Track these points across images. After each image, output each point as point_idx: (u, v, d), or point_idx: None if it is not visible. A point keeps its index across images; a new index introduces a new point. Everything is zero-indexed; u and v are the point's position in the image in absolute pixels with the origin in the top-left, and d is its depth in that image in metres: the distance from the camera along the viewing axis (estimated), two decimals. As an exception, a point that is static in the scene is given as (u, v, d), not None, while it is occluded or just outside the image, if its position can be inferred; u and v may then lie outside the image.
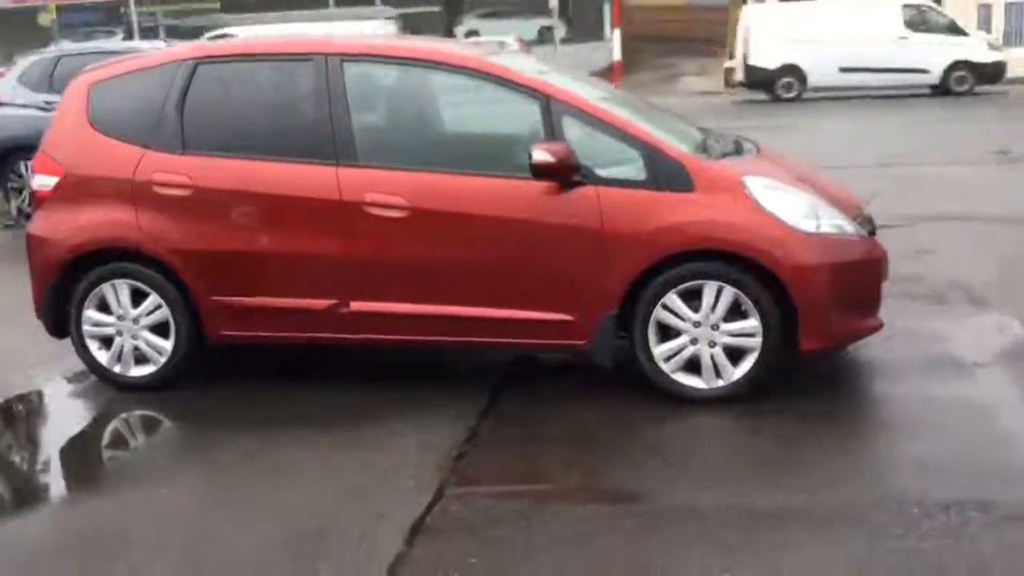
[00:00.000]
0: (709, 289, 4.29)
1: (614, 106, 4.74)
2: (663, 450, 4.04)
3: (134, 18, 33.38)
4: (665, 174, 4.31)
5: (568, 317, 4.40)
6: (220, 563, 3.30)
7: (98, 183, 4.75)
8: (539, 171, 4.21)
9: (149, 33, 37.03)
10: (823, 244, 4.31)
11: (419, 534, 3.35)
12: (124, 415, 4.78)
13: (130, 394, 4.83)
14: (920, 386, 4.58)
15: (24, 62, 11.28)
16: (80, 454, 4.48)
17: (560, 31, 36.30)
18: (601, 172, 4.33)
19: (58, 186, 4.81)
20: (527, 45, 17.54)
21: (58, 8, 36.30)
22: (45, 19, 36.84)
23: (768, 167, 4.67)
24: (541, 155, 4.16)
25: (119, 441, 4.66)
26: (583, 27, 37.51)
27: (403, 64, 4.64)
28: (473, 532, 3.35)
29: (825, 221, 4.37)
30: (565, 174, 4.25)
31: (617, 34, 11.19)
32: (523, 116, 4.42)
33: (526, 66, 4.83)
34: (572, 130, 4.36)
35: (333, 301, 4.57)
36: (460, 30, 35.73)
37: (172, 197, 4.64)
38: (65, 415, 4.91)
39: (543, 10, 31.34)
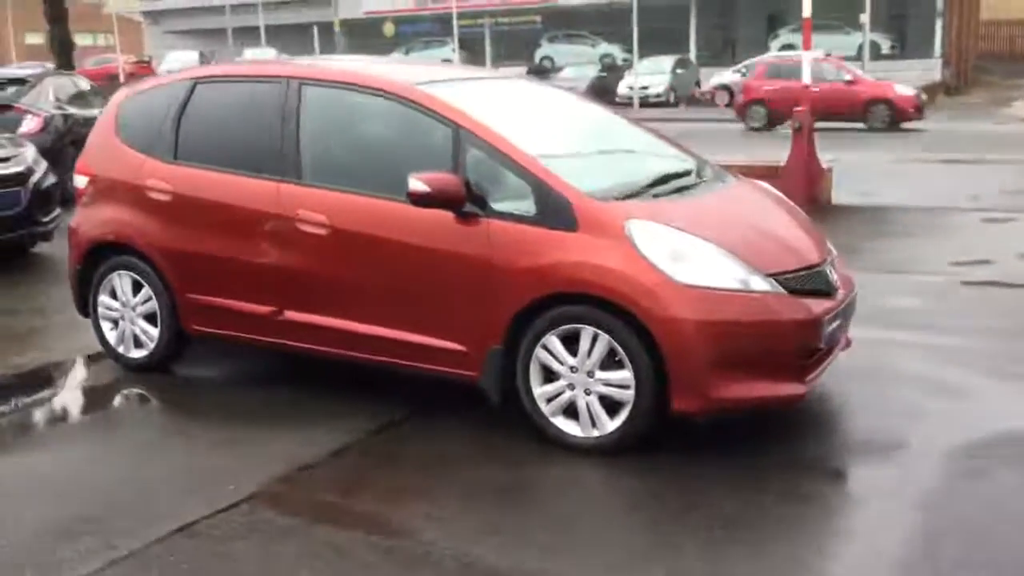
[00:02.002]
0: (585, 335, 4.11)
1: (555, 136, 4.68)
2: (502, 498, 3.89)
3: (454, 30, 35.68)
4: (552, 211, 4.18)
5: (461, 347, 4.40)
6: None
7: (114, 185, 5.41)
8: (416, 200, 4.25)
9: (474, 44, 39.59)
10: (705, 297, 3.98)
11: (178, 533, 3.57)
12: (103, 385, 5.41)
13: (132, 373, 5.47)
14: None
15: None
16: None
17: (884, 45, 34.62)
18: (495, 205, 4.29)
19: (88, 186, 5.54)
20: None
21: (397, 20, 39.72)
22: (389, 29, 40.54)
23: (688, 211, 4.35)
24: (416, 184, 4.21)
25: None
26: (915, 42, 35.27)
27: (346, 89, 4.83)
28: (224, 541, 3.51)
29: (723, 274, 4.03)
30: (446, 204, 4.26)
31: (808, 57, 10.43)
32: (437, 144, 4.46)
33: (466, 94, 4.84)
34: (475, 161, 4.36)
35: (273, 308, 4.89)
36: (776, 43, 35.01)
37: (159, 201, 5.19)
38: (72, 383, 5.61)
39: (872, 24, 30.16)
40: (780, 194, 5.14)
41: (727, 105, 28.55)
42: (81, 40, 60.45)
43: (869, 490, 3.92)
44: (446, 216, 4.32)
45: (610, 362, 4.10)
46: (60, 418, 5.12)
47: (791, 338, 4.10)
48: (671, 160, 5.00)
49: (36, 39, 60.48)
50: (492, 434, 4.43)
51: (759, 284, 4.07)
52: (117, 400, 5.22)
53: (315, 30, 41.93)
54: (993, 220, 9.70)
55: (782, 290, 4.12)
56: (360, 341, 4.66)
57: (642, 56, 33.08)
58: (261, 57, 36.22)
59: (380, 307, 4.60)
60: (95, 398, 5.33)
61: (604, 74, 34.30)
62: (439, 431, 4.51)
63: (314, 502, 3.86)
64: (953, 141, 18.33)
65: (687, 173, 4.84)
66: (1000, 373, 5.16)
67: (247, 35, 39.47)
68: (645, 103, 31.59)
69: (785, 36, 35.54)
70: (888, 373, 5.14)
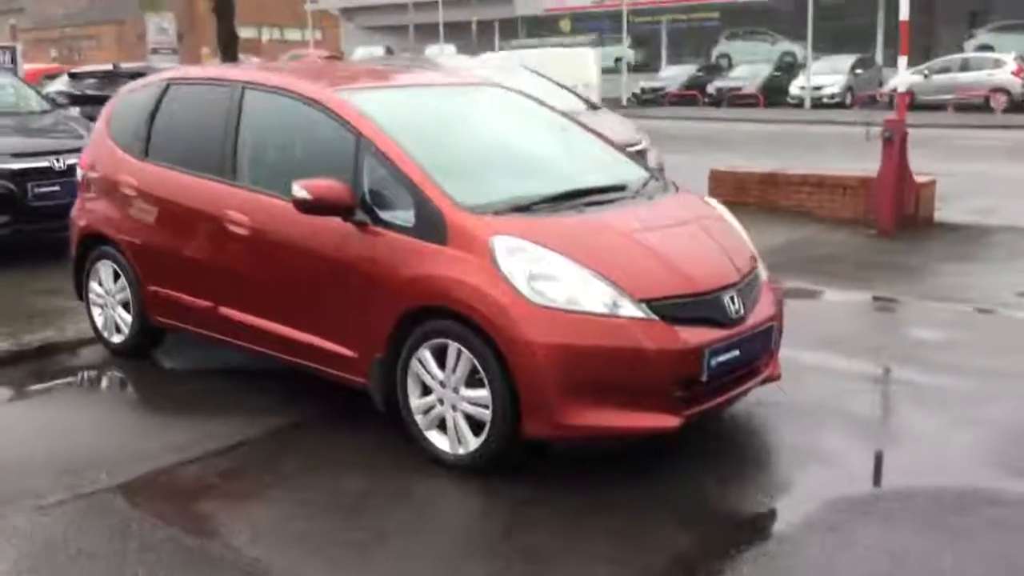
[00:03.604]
0: (451, 350, 4.05)
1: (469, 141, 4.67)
2: (353, 511, 3.90)
3: (623, 27, 35.36)
4: (428, 223, 4.13)
5: (352, 353, 4.43)
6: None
7: (101, 180, 5.76)
8: (299, 207, 4.30)
9: (651, 40, 39.11)
10: (560, 320, 3.82)
11: (34, 511, 3.82)
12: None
13: (114, 357, 5.82)
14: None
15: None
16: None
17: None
18: (383, 214, 4.28)
19: (84, 179, 5.93)
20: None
21: (574, 16, 39.81)
22: (566, 25, 40.72)
23: (572, 229, 4.17)
24: (298, 191, 4.25)
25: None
26: None
27: (276, 94, 4.93)
28: (59, 523, 3.72)
29: (585, 297, 3.85)
30: (332, 211, 4.29)
31: (903, 62, 9.74)
32: (343, 151, 4.49)
33: (389, 103, 4.86)
34: (370, 169, 4.36)
35: (210, 304, 5.08)
36: (970, 44, 32.72)
37: (128, 196, 5.49)
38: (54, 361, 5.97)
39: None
40: (719, 210, 4.87)
41: (908, 108, 27.01)
42: (290, 35, 64.38)
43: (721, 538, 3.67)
44: (339, 223, 4.35)
45: (473, 380, 4.02)
46: (25, 388, 5.51)
47: (658, 368, 3.86)
48: (601, 174, 4.82)
49: (247, 33, 64.67)
50: (389, 443, 4.41)
51: (628, 309, 3.88)
52: (77, 378, 5.61)
53: (496, 26, 42.70)
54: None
55: (654, 316, 3.90)
56: (276, 341, 4.77)
57: (824, 54, 31.83)
58: (440, 54, 37.25)
59: (289, 308, 4.69)
60: (62, 375, 5.66)
61: (778, 73, 33.15)
62: (341, 435, 4.55)
63: (166, 497, 4.01)
64: None
65: (613, 188, 4.66)
66: (949, 421, 4.70)
67: (432, 31, 40.62)
68: (818, 104, 30.33)
69: (983, 36, 33.15)
70: (824, 412, 4.78)
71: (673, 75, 35.62)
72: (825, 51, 31.87)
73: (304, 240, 4.54)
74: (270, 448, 4.44)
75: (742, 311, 4.17)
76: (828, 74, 31.03)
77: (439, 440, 4.19)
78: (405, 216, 4.22)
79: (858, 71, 31.59)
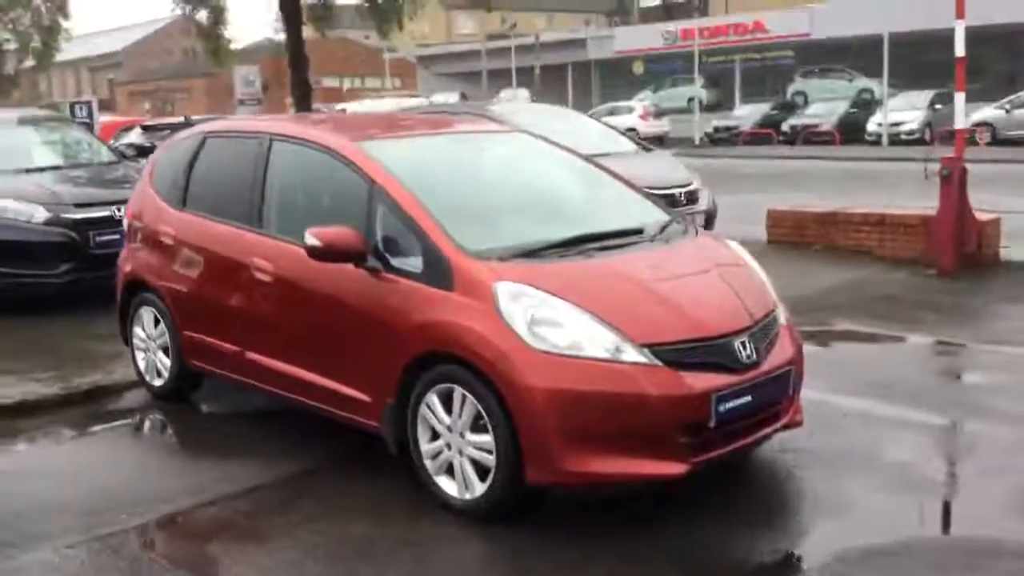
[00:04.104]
0: (457, 395, 4.06)
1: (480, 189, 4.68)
2: (356, 558, 3.92)
3: (695, 67, 35.22)
4: (435, 269, 4.17)
5: (366, 397, 4.47)
6: None
7: (143, 228, 5.95)
8: (312, 254, 4.38)
9: (724, 80, 38.83)
10: (561, 365, 3.80)
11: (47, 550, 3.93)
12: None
13: (155, 400, 5.98)
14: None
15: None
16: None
17: None
18: (394, 261, 4.33)
19: (129, 228, 6.14)
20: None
21: (646, 58, 39.89)
22: (638, 68, 40.82)
23: (578, 275, 4.15)
24: (310, 239, 4.34)
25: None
26: None
27: (298, 144, 5.05)
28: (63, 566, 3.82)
29: (587, 342, 3.83)
30: (344, 258, 4.36)
31: (961, 98, 9.51)
32: (359, 198, 4.57)
33: (406, 151, 4.94)
34: (383, 217, 4.43)
35: (238, 348, 5.20)
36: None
37: (167, 245, 5.67)
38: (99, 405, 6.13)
39: None
40: (739, 254, 4.79)
41: (989, 143, 26.25)
42: (370, 83, 65.93)
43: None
44: (353, 270, 4.42)
45: (478, 425, 4.02)
46: (67, 430, 5.67)
47: (662, 414, 3.81)
48: (617, 218, 4.81)
49: (331, 82, 66.44)
50: (401, 489, 4.42)
51: (630, 354, 3.84)
52: (117, 422, 5.74)
53: (569, 69, 43.02)
54: None
55: (657, 362, 3.85)
56: (296, 385, 4.84)
57: (902, 90, 31.21)
58: (513, 97, 37.63)
59: (308, 353, 4.77)
60: (103, 418, 5.82)
61: (855, 110, 32.61)
62: (354, 480, 4.58)
63: (178, 539, 4.09)
64: None
65: (628, 232, 4.64)
66: (983, 469, 4.51)
67: (506, 77, 41.15)
68: (896, 140, 29.69)
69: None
70: (852, 460, 4.63)
71: (746, 114, 35.32)
72: (903, 87, 31.25)
73: (321, 286, 4.62)
74: (284, 493, 4.49)
75: (754, 356, 4.09)
76: (906, 110, 30.38)
77: (447, 485, 4.18)
78: (415, 262, 4.27)
79: (937, 106, 30.86)
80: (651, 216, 4.94)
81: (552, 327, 3.89)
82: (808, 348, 6.51)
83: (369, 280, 4.38)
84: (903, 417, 5.27)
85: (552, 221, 4.68)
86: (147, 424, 5.76)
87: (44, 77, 62.83)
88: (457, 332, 4.02)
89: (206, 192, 5.57)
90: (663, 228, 4.80)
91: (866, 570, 3.59)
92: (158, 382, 5.94)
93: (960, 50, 9.15)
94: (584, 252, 4.34)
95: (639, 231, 4.71)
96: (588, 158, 5.57)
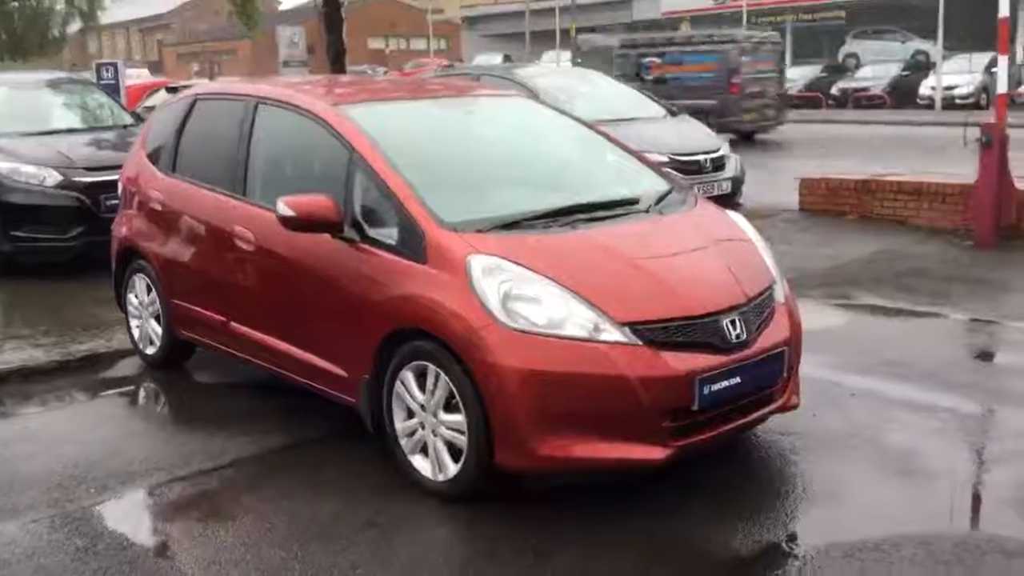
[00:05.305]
0: (430, 373, 3.88)
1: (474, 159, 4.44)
2: (315, 535, 3.78)
3: (744, 25, 34.30)
4: (410, 242, 3.98)
5: (343, 373, 4.32)
6: None
7: (136, 194, 5.83)
8: (284, 223, 4.20)
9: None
10: (534, 344, 3.60)
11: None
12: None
13: (149, 369, 5.89)
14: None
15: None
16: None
17: None
18: (370, 231, 4.15)
19: (123, 192, 6.02)
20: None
21: (692, 20, 39.03)
22: (685, 28, 39.91)
23: (559, 247, 3.93)
24: (282, 208, 4.15)
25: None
26: None
27: (281, 108, 4.85)
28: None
29: (564, 319, 3.62)
30: (319, 228, 4.18)
31: (1004, 61, 9.04)
32: (339, 165, 4.38)
33: (392, 116, 4.74)
34: (361, 185, 4.24)
35: (223, 318, 5.06)
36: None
37: (156, 211, 5.54)
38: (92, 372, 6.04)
39: None
40: (739, 226, 4.53)
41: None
42: (415, 44, 65.62)
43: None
44: (329, 240, 4.24)
45: (451, 404, 3.84)
46: (54, 398, 5.59)
47: (641, 397, 3.59)
48: (612, 188, 4.58)
49: (376, 44, 66.14)
50: (376, 466, 4.27)
51: (609, 333, 3.62)
52: (108, 391, 5.64)
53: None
54: None
55: (638, 341, 3.63)
56: (278, 357, 4.71)
57: (958, 52, 30.16)
58: (555, 60, 37.10)
59: (289, 325, 4.62)
60: (96, 386, 5.72)
61: (907, 73, 31.63)
62: (333, 456, 4.43)
63: (141, 516, 4.01)
64: None
65: (620, 203, 4.41)
66: (993, 457, 4.25)
67: (550, 38, 40.54)
68: (950, 105, 28.73)
69: None
70: (854, 444, 4.38)
71: (795, 76, 34.41)
72: (960, 49, 30.19)
73: (300, 256, 4.46)
74: (258, 468, 4.36)
75: (744, 335, 3.85)
76: (961, 73, 29.37)
77: (422, 465, 4.02)
78: (390, 233, 4.08)
79: (994, 70, 29.82)
80: (649, 186, 4.69)
81: (527, 303, 3.68)
82: (825, 323, 6.35)
83: (345, 251, 4.20)
84: (917, 399, 4.99)
85: (541, 191, 4.46)
86: (140, 394, 5.67)
87: (94, 38, 63.38)
88: (428, 307, 3.83)
89: (194, 157, 5.43)
90: (660, 199, 4.56)
91: (853, 564, 3.37)
92: (151, 350, 5.85)
93: (1004, 10, 8.68)
94: (570, 223, 4.11)
95: (634, 202, 4.48)
96: (591, 124, 5.32)
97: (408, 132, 4.63)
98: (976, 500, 3.96)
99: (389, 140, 4.35)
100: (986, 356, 6.04)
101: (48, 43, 39.99)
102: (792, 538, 3.60)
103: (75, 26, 41.58)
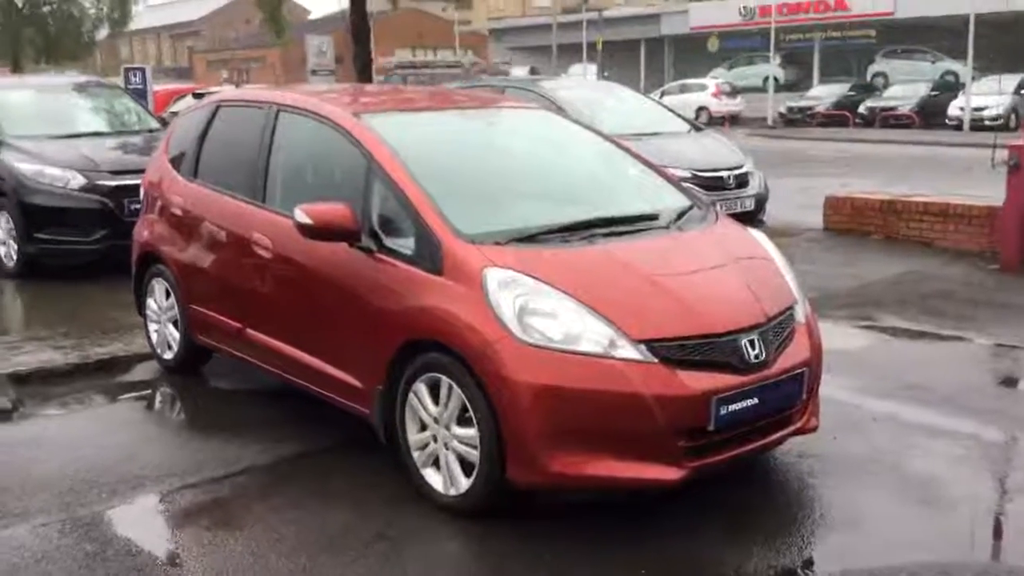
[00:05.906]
0: (444, 385, 3.85)
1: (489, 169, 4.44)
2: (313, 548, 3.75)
3: (771, 44, 34.22)
4: (427, 253, 3.95)
5: (357, 383, 4.29)
6: None
7: (157, 199, 5.84)
8: (302, 231, 4.18)
9: (802, 59, 37.75)
10: (548, 359, 3.55)
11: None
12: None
13: (166, 374, 5.89)
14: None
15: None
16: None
17: None
18: (387, 240, 4.12)
19: (144, 197, 6.04)
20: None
21: (722, 35, 38.92)
22: (713, 44, 39.88)
23: (576, 262, 3.89)
24: (300, 216, 4.14)
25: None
26: None
27: (302, 115, 4.84)
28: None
29: (579, 335, 3.58)
30: (336, 237, 4.16)
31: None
32: (358, 174, 4.36)
33: (415, 126, 4.72)
34: (379, 194, 4.22)
35: (239, 325, 5.05)
36: None
37: (176, 216, 5.55)
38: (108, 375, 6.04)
39: None
40: (760, 244, 4.47)
41: (1076, 131, 25.02)
42: (442, 55, 65.84)
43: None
44: (346, 249, 4.22)
45: (463, 418, 3.80)
46: (71, 402, 5.58)
47: (656, 415, 3.54)
48: (631, 203, 4.54)
49: (404, 54, 66.48)
50: (388, 478, 4.23)
51: (625, 350, 3.58)
52: (124, 395, 5.64)
53: (642, 45, 42.29)
54: None
55: (653, 359, 3.58)
56: (293, 365, 4.69)
57: (989, 73, 29.93)
58: (582, 73, 37.13)
59: (304, 334, 4.60)
60: (112, 390, 5.73)
61: (935, 93, 31.41)
62: (344, 466, 4.40)
63: (151, 523, 3.98)
64: None
65: (640, 218, 4.36)
66: (1016, 486, 4.16)
67: (577, 51, 40.57)
68: (979, 126, 28.49)
69: None
70: (873, 470, 4.31)
71: (823, 94, 34.31)
72: (991, 70, 29.96)
73: (317, 265, 4.44)
74: (270, 477, 4.33)
75: (763, 355, 3.79)
76: (991, 94, 29.13)
77: (433, 478, 3.98)
78: (407, 243, 4.06)
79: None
80: (669, 201, 4.65)
81: (542, 318, 3.64)
82: (848, 344, 6.27)
83: (362, 260, 4.18)
84: (939, 424, 4.91)
85: (560, 204, 4.43)
86: (156, 398, 5.67)
87: (125, 43, 63.95)
88: (443, 319, 3.80)
89: (215, 163, 5.43)
90: (680, 215, 4.51)
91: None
92: (168, 355, 5.85)
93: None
94: (588, 238, 4.08)
95: (653, 217, 4.43)
96: (612, 138, 5.28)
97: (428, 142, 4.61)
98: (997, 530, 3.88)
99: (409, 150, 4.34)
100: (1010, 382, 5.94)
101: (80, 48, 40.45)
102: (808, 564, 3.54)
103: (105, 32, 42.00)
